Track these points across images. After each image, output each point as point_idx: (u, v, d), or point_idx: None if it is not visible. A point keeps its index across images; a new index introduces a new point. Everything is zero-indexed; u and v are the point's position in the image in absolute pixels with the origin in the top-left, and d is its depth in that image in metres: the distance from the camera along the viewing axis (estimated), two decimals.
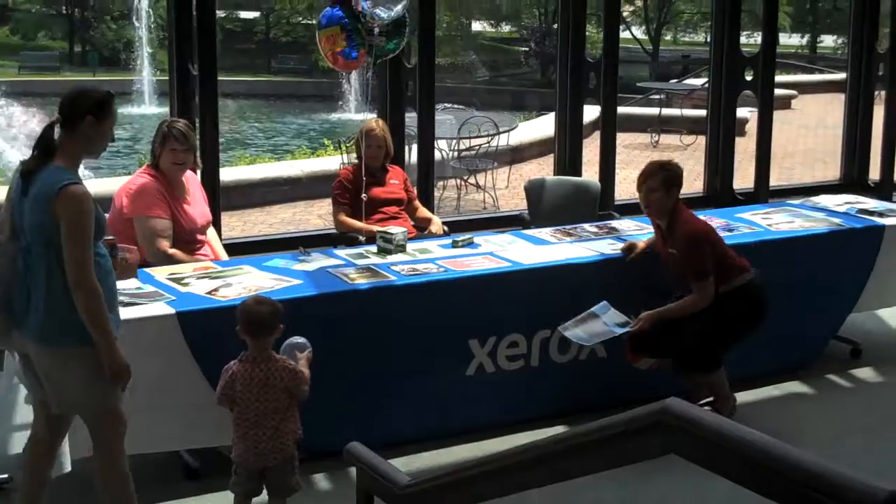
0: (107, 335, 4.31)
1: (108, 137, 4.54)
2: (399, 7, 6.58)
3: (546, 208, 7.86)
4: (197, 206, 6.37)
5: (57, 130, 4.42)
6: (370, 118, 7.57)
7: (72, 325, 4.30)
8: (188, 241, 6.25)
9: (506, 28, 44.45)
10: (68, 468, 4.97)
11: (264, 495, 4.88)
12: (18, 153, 14.38)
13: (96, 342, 4.30)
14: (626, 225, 7.16)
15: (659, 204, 5.96)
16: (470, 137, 12.73)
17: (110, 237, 4.74)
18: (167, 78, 7.93)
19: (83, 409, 4.52)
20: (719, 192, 9.64)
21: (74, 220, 4.26)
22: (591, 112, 9.94)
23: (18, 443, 5.82)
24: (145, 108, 25.00)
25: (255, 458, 4.74)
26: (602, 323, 5.88)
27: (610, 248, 6.50)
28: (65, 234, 4.25)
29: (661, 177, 5.93)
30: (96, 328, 4.28)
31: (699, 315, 5.85)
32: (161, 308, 5.21)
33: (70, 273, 4.25)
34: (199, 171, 6.71)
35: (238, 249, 7.11)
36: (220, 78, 7.47)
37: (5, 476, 5.39)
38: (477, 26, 44.07)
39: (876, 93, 10.65)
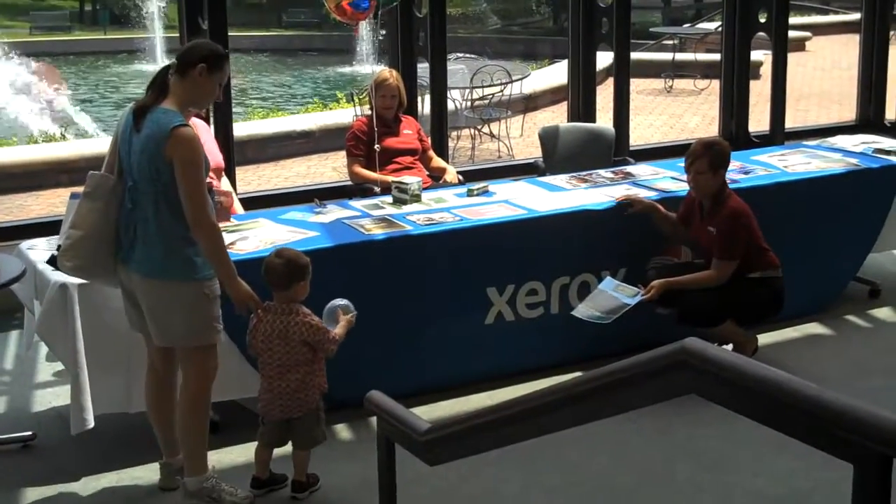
0: (228, 267, 4.53)
1: (214, 93, 4.67)
2: None
3: (561, 155, 7.84)
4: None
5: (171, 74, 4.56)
6: (382, 69, 7.54)
7: (177, 260, 4.48)
8: None
9: None
10: (91, 424, 5.01)
11: (289, 445, 4.92)
12: (29, 112, 14.44)
13: (218, 276, 4.52)
14: (641, 170, 7.13)
15: (707, 185, 5.94)
16: (483, 87, 12.67)
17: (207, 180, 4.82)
18: (177, 35, 7.90)
19: (182, 340, 4.62)
20: (735, 136, 9.58)
21: (188, 161, 4.40)
22: (604, 58, 9.87)
23: (41, 400, 5.90)
24: (156, 64, 24.94)
25: (279, 409, 4.81)
26: (613, 297, 5.86)
27: (626, 192, 6.48)
28: (179, 174, 4.39)
29: (709, 158, 5.88)
30: (218, 262, 4.50)
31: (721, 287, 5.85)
32: None
33: (189, 211, 4.39)
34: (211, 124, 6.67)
35: (253, 203, 7.11)
36: (230, 33, 7.43)
37: (29, 433, 5.43)
38: None
39: (891, 32, 10.56)
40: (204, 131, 6.44)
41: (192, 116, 4.73)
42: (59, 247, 4.67)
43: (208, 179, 4.71)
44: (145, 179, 4.45)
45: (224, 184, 6.52)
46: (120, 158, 4.57)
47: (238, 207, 6.47)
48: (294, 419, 4.83)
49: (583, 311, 5.87)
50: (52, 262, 4.75)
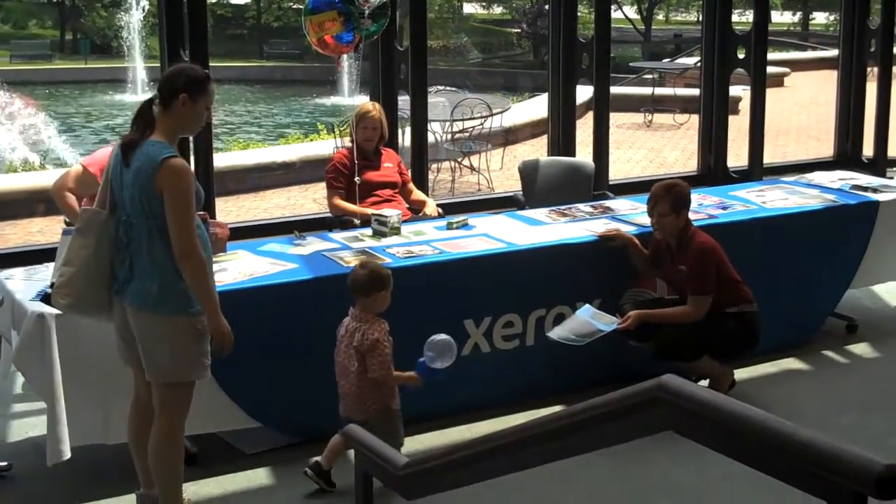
0: (213, 302, 4.48)
1: (202, 117, 4.65)
2: None
3: (540, 189, 7.86)
4: None
5: (155, 107, 4.54)
6: (364, 101, 7.56)
7: (171, 294, 4.44)
8: None
9: (497, 9, 44.38)
10: (67, 455, 4.98)
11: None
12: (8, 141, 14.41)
13: (202, 309, 4.46)
14: (620, 204, 7.16)
15: (671, 226, 5.99)
16: (463, 119, 12.72)
17: (202, 212, 4.80)
18: (159, 65, 7.91)
19: (168, 376, 4.57)
20: (713, 171, 9.65)
21: (178, 192, 4.38)
22: (583, 92, 9.93)
23: (17, 431, 5.87)
24: (137, 95, 24.96)
25: (343, 408, 5.10)
26: (588, 323, 5.87)
27: (605, 227, 6.50)
28: (168, 206, 4.37)
29: (670, 200, 5.95)
30: (203, 296, 4.44)
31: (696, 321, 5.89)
32: None
33: (176, 243, 4.38)
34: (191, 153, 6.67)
35: (233, 235, 7.06)
36: (211, 64, 7.44)
37: (5, 464, 5.40)
38: (468, 8, 44.00)
39: (868, 69, 10.64)
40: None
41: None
42: (52, 284, 4.65)
43: (201, 212, 4.71)
44: (138, 213, 4.44)
45: None
46: (112, 193, 4.56)
47: None
48: (353, 421, 4.83)
49: (557, 332, 5.88)
50: (46, 299, 4.73)
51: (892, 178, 8.92)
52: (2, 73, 23.39)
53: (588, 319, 5.88)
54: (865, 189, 7.48)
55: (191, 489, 5.02)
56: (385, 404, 5.09)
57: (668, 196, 5.97)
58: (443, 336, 5.11)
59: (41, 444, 5.25)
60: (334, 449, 5.13)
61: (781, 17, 43.68)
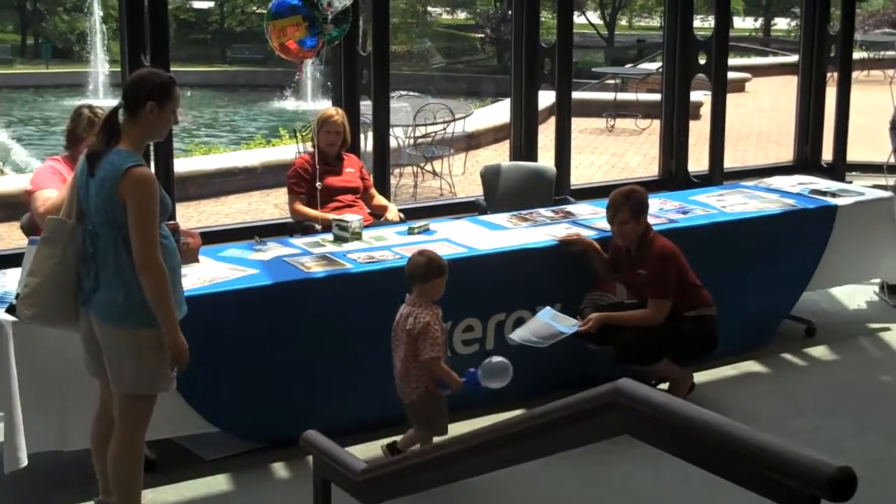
0: (170, 316, 4.40)
1: (170, 122, 4.62)
2: None
3: (502, 194, 7.88)
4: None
5: (121, 115, 4.50)
6: (326, 107, 7.55)
7: (135, 306, 4.39)
8: None
9: (461, 14, 44.39)
10: (24, 462, 4.94)
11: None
12: None
13: (160, 322, 4.39)
14: (581, 209, 7.19)
15: (632, 232, 6.03)
16: (426, 124, 12.72)
17: (173, 222, 4.76)
18: (120, 69, 7.87)
19: (129, 387, 4.53)
20: (675, 175, 9.70)
21: (140, 202, 4.33)
22: (546, 97, 9.95)
23: None
24: (99, 100, 24.82)
25: (397, 388, 5.32)
26: (549, 325, 5.88)
27: (566, 232, 6.52)
28: (131, 215, 4.32)
29: (629, 207, 5.99)
30: (161, 309, 4.37)
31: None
32: None
33: (136, 254, 4.33)
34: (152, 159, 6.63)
35: None
36: (173, 68, 7.41)
37: None
38: (433, 12, 43.99)
39: (828, 75, 10.72)
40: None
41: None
42: (17, 295, 4.60)
43: (172, 221, 4.67)
44: (103, 223, 4.40)
45: None
46: (79, 202, 4.52)
47: None
48: (404, 403, 5.30)
49: (519, 334, 5.88)
50: (11, 310, 4.67)
51: (850, 182, 8.98)
52: None
53: (548, 322, 5.89)
54: (824, 193, 7.54)
55: (149, 496, 5.00)
56: (429, 389, 5.26)
57: (627, 203, 6.00)
58: (502, 359, 5.26)
59: None
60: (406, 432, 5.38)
61: (743, 23, 43.92)
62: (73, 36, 35.44)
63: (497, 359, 5.26)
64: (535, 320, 5.95)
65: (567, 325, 5.87)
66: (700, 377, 6.36)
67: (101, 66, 27.78)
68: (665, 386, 6.09)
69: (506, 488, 5.08)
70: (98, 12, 30.72)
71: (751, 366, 6.87)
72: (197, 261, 5.79)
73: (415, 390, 5.24)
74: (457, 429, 5.60)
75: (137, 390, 4.53)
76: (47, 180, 5.85)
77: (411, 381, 5.23)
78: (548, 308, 6.00)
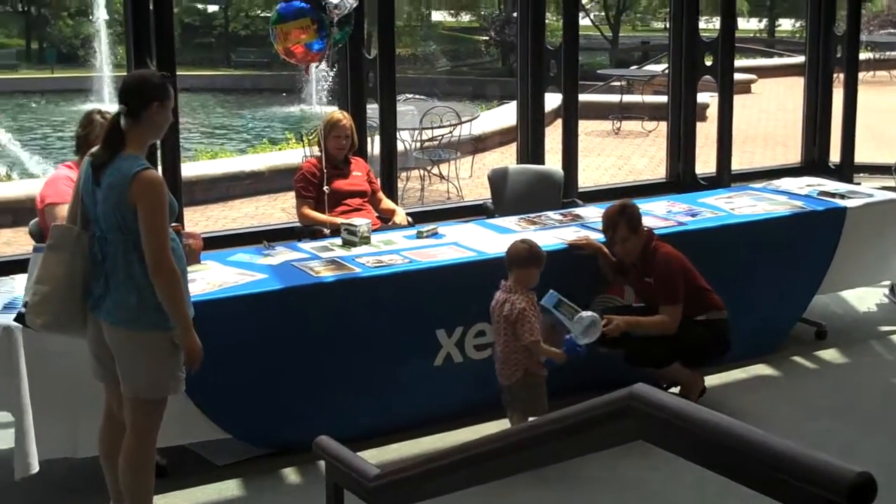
0: (185, 318, 4.42)
1: (169, 119, 4.62)
2: None
3: (510, 197, 7.86)
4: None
5: (122, 120, 4.47)
6: (332, 110, 7.54)
7: (148, 309, 4.38)
8: None
9: (466, 17, 44.38)
10: (35, 469, 4.94)
11: None
12: None
13: (174, 324, 4.39)
14: (589, 212, 7.17)
15: (634, 246, 6.03)
16: (432, 128, 12.72)
17: (175, 224, 4.76)
18: (125, 73, 7.86)
19: (142, 391, 4.52)
20: (682, 178, 9.69)
21: (151, 205, 4.33)
22: (552, 100, 9.95)
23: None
24: (105, 104, 24.84)
25: (497, 371, 5.56)
26: (554, 316, 5.74)
27: (575, 235, 6.51)
28: (142, 219, 4.32)
29: (626, 222, 5.99)
30: (175, 310, 4.38)
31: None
32: None
33: (149, 257, 4.32)
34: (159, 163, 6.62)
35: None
36: (179, 73, 7.40)
37: None
38: (437, 16, 44.01)
39: (835, 75, 10.70)
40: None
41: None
42: (25, 303, 4.58)
43: (174, 224, 4.67)
44: (112, 228, 4.39)
45: None
46: (85, 209, 4.51)
47: None
48: (504, 385, 5.52)
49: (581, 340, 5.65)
50: (20, 319, 4.66)
51: (859, 183, 8.97)
52: None
53: (552, 310, 5.71)
54: (833, 195, 7.52)
55: (161, 502, 4.98)
56: (530, 371, 5.48)
57: (622, 219, 6.00)
58: (589, 313, 5.51)
59: (8, 457, 5.19)
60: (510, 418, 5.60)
61: (748, 24, 43.88)
62: (78, 40, 35.47)
63: (585, 314, 5.49)
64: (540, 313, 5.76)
65: (571, 313, 5.68)
66: (711, 381, 6.34)
67: (106, 71, 27.79)
68: (676, 390, 6.07)
69: (518, 493, 5.07)
70: (103, 16, 30.72)
71: (761, 369, 6.84)
72: (199, 262, 5.79)
73: (514, 373, 5.48)
74: (467, 435, 5.60)
75: (150, 394, 4.53)
76: (65, 193, 5.86)
77: (511, 364, 5.48)
78: (552, 292, 5.83)
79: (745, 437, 2.25)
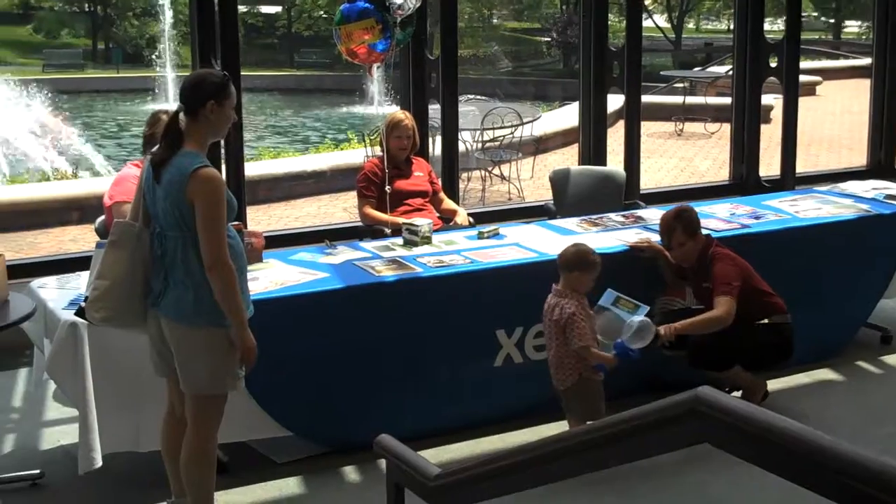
0: (239, 315, 4.43)
1: (230, 118, 4.64)
2: None
3: (571, 198, 7.84)
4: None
5: (181, 119, 4.52)
6: (394, 110, 7.56)
7: (206, 305, 4.41)
8: None
9: (527, 18, 44.38)
10: (99, 463, 4.99)
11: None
12: (40, 149, 14.46)
13: (229, 322, 4.41)
14: (652, 214, 7.12)
15: (692, 251, 6.02)
16: (493, 128, 12.71)
17: (236, 223, 4.80)
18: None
19: (201, 387, 4.56)
20: (745, 180, 9.59)
21: (208, 202, 4.36)
22: (614, 101, 9.90)
23: (49, 439, 5.89)
24: (168, 104, 25.05)
25: (552, 376, 5.52)
26: (615, 317, 5.70)
27: (636, 237, 6.47)
28: (199, 216, 4.36)
29: (682, 227, 5.97)
30: (230, 308, 4.40)
31: (728, 331, 5.80)
32: None
33: (206, 254, 4.36)
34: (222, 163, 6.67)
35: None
36: (242, 73, 7.46)
37: (37, 472, 5.42)
38: (498, 17, 44.02)
39: None
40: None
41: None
42: (86, 298, 4.64)
43: (236, 222, 4.70)
44: (171, 225, 4.43)
45: None
46: (146, 206, 4.56)
47: None
48: (559, 389, 5.49)
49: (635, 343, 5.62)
50: (81, 313, 4.72)
51: None
52: (34, 82, 23.54)
53: (611, 309, 5.67)
54: None
55: (221, 498, 5.01)
56: (583, 376, 5.42)
57: (679, 223, 5.97)
58: (640, 317, 5.46)
59: (73, 452, 5.26)
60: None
61: (814, 25, 43.49)
62: (143, 41, 35.89)
63: (636, 318, 5.44)
64: (598, 313, 5.75)
65: (630, 308, 5.63)
66: (774, 385, 6.28)
67: (170, 71, 28.06)
68: (738, 394, 6.02)
69: (577, 494, 5.05)
70: (168, 17, 31.04)
71: (825, 374, 6.77)
72: (260, 260, 5.83)
73: (569, 377, 5.43)
74: (527, 436, 5.59)
75: (209, 389, 4.56)
76: (131, 192, 5.92)
77: (565, 368, 5.44)
78: (609, 291, 5.80)
79: (812, 442, 2.22)
